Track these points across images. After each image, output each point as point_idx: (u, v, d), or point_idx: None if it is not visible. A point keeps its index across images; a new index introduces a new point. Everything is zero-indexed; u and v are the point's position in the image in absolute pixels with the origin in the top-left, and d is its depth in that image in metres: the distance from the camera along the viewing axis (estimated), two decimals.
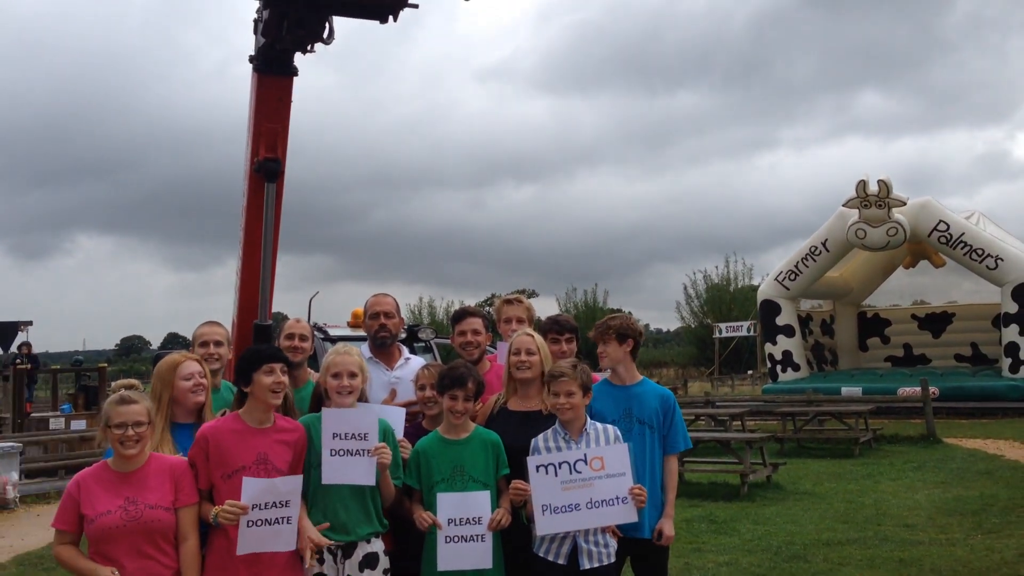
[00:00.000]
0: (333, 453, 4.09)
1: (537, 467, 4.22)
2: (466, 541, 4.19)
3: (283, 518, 3.91)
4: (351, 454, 4.09)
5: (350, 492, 4.16)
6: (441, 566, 4.18)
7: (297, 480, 4.00)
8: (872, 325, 27.88)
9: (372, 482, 4.14)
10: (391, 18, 5.72)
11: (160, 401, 4.21)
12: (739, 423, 16.44)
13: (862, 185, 21.25)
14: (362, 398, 4.33)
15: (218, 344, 4.86)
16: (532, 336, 4.68)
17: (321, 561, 4.10)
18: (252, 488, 3.85)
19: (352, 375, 4.23)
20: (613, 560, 4.32)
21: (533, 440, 4.37)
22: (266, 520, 3.86)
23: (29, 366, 21.28)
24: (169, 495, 3.81)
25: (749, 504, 11.04)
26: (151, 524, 3.75)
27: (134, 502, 3.74)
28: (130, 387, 4.13)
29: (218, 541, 3.93)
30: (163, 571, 3.77)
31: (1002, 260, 21.49)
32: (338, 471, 4.09)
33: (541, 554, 4.28)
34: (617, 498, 4.22)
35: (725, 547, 8.72)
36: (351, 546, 4.14)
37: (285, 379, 4.12)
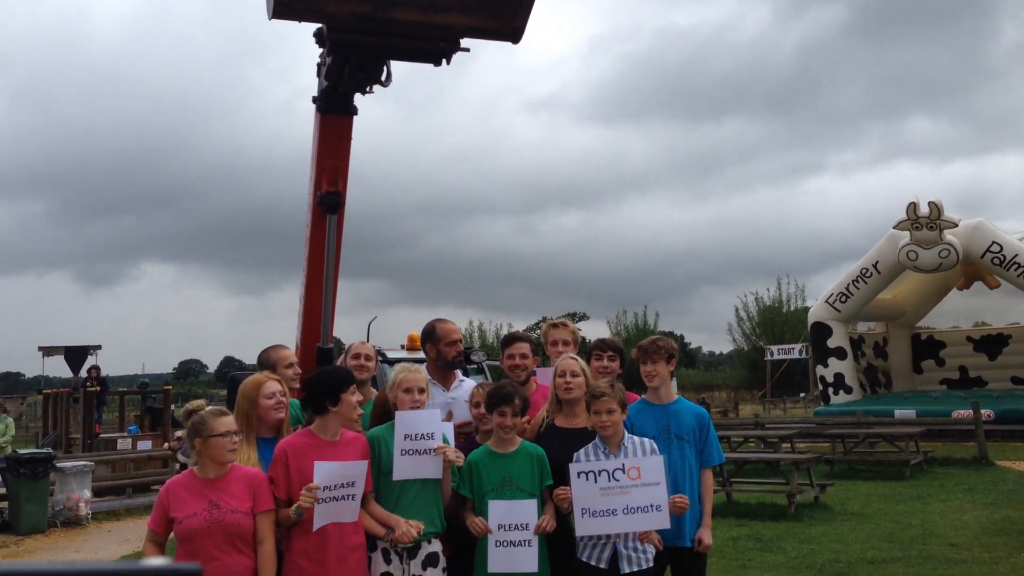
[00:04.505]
0: (404, 453, 4.53)
1: (578, 473, 4.55)
2: (514, 546, 4.54)
3: (349, 495, 4.38)
4: (419, 453, 4.54)
5: (421, 498, 4.56)
6: (491, 568, 4.54)
7: (362, 465, 4.45)
8: (927, 347, 27.57)
9: (439, 475, 4.58)
10: (444, 61, 6.15)
11: (248, 418, 4.65)
12: (788, 444, 16.49)
13: (913, 207, 21.23)
14: None
15: (293, 364, 5.37)
16: (576, 359, 5.02)
17: (388, 561, 4.52)
18: (323, 469, 4.29)
19: (421, 391, 4.71)
20: (651, 565, 4.62)
21: (575, 453, 4.69)
22: (334, 498, 4.32)
23: (98, 388, 22.03)
24: (248, 501, 4.22)
25: (796, 523, 11.17)
26: (231, 527, 4.16)
27: (217, 506, 4.16)
28: (199, 408, 4.67)
29: (294, 544, 4.35)
30: (242, 569, 4.17)
31: None
32: (408, 468, 4.53)
33: (584, 559, 4.60)
34: (651, 506, 4.50)
35: (770, 564, 8.91)
36: (416, 547, 4.54)
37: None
